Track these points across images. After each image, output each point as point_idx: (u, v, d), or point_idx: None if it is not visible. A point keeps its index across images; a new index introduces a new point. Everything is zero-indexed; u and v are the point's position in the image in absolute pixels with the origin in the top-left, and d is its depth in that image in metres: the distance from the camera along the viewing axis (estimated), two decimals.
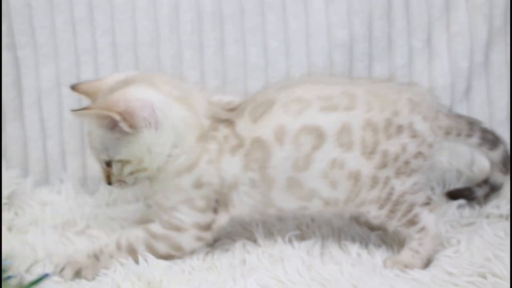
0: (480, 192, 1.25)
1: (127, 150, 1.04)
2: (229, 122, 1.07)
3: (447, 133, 1.11)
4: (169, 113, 1.05)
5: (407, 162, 1.05)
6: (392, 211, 1.07)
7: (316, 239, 1.15)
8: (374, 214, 1.07)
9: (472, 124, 1.16)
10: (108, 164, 1.07)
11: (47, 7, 1.32)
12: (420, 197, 1.08)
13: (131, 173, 1.07)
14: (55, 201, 1.31)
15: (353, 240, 1.15)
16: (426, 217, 1.08)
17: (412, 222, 1.07)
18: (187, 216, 1.07)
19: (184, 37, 1.34)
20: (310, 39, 1.35)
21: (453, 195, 1.28)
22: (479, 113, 1.38)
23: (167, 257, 1.07)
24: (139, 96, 1.04)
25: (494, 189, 1.24)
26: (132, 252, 1.07)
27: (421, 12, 1.35)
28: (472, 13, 1.36)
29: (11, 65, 1.34)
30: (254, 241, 1.14)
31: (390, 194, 1.06)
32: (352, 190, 1.05)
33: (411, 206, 1.07)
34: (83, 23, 1.33)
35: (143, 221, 1.16)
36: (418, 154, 1.06)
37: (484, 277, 1.01)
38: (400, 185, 1.05)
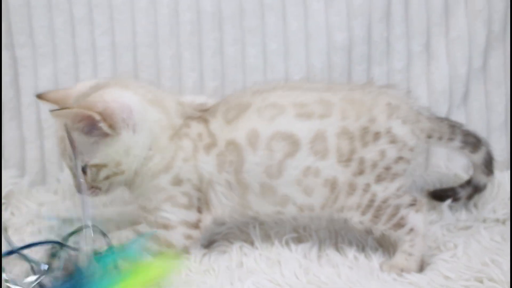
0: (463, 193, 1.25)
1: (104, 153, 1.03)
2: (202, 119, 1.08)
3: (429, 136, 1.11)
4: (145, 116, 1.05)
5: (387, 168, 1.05)
6: (376, 216, 1.06)
7: (313, 242, 1.15)
8: (357, 220, 1.07)
9: (453, 127, 1.15)
10: (82, 170, 1.05)
11: (46, 7, 1.32)
12: (405, 200, 1.07)
13: (107, 178, 1.06)
14: (52, 201, 1.30)
15: (350, 243, 1.15)
16: (413, 218, 1.07)
17: (399, 225, 1.07)
18: (173, 214, 1.07)
19: (183, 38, 1.34)
20: (309, 41, 1.35)
21: (436, 195, 1.27)
22: (477, 117, 1.39)
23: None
24: (117, 98, 1.04)
25: (477, 190, 1.24)
26: None
27: (420, 17, 1.36)
28: (471, 18, 1.36)
29: (9, 65, 1.34)
30: (251, 243, 1.14)
31: (372, 200, 1.05)
32: (328, 196, 1.05)
33: (397, 210, 1.07)
34: (82, 23, 1.33)
35: (139, 222, 1.16)
36: (399, 159, 1.05)
37: (481, 281, 1.01)
38: (383, 191, 1.05)
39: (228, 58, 1.35)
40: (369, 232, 1.14)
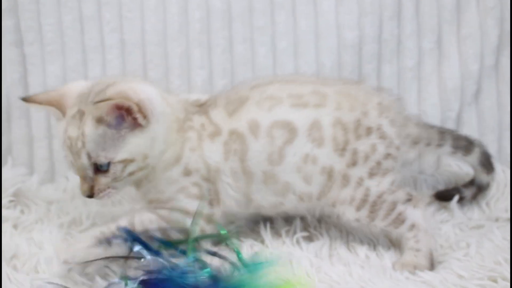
0: (467, 193, 1.26)
1: (132, 147, 1.02)
2: (202, 112, 1.09)
3: (415, 142, 1.14)
4: (163, 109, 1.05)
5: (378, 163, 1.07)
6: (372, 212, 1.08)
7: (324, 241, 1.14)
8: (352, 216, 1.08)
9: (443, 133, 1.18)
10: (98, 170, 1.02)
11: (55, 4, 1.31)
12: (400, 195, 1.08)
13: (132, 174, 1.04)
14: (61, 199, 1.30)
15: (361, 242, 1.15)
16: (412, 214, 1.08)
17: (399, 221, 1.08)
18: (187, 204, 1.07)
19: (192, 36, 1.34)
20: (319, 39, 1.34)
21: (442, 196, 1.28)
22: (488, 116, 1.38)
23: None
24: (143, 90, 1.03)
25: (481, 189, 1.25)
26: (147, 232, 1.05)
27: (431, 14, 1.35)
28: (483, 16, 1.35)
29: (18, 62, 1.34)
30: (262, 241, 1.13)
31: (366, 195, 1.07)
32: (325, 185, 1.07)
33: (393, 205, 1.08)
34: (91, 20, 1.32)
35: None
36: (388, 155, 1.08)
37: (495, 281, 1.00)
38: (376, 185, 1.07)
39: (237, 57, 1.35)
40: (366, 231, 1.14)
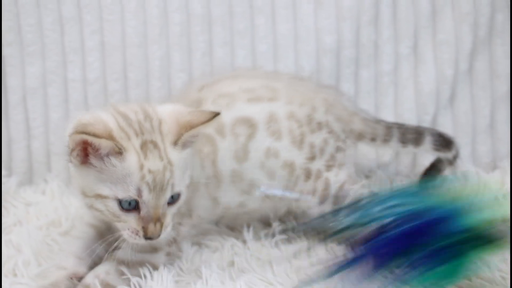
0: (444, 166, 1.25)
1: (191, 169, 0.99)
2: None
3: (360, 137, 1.16)
4: None
5: (332, 156, 1.11)
6: (336, 204, 1.09)
7: (303, 243, 1.15)
8: (317, 209, 1.10)
9: (390, 128, 1.18)
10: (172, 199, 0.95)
11: (34, 5, 1.31)
12: (360, 190, 1.11)
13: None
14: (40, 201, 1.29)
15: (339, 242, 1.16)
16: None
17: None
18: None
19: (172, 39, 1.34)
20: (298, 44, 1.36)
21: (430, 172, 1.27)
22: (463, 120, 1.41)
23: None
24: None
25: (451, 162, 1.23)
26: (109, 286, 0.98)
27: (408, 20, 1.37)
28: (458, 21, 1.38)
29: None
30: (243, 242, 1.14)
31: (327, 187, 1.10)
32: (288, 179, 1.09)
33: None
34: (71, 22, 1.32)
35: None
36: (339, 148, 1.12)
37: (469, 279, 1.02)
38: (335, 176, 1.10)
39: (217, 60, 1.36)
40: None
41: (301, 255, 1.09)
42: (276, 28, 1.36)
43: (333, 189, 1.10)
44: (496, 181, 1.28)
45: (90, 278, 0.98)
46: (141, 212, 0.92)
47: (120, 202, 0.91)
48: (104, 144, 0.89)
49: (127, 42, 1.33)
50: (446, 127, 1.40)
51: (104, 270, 0.99)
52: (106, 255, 0.99)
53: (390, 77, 1.39)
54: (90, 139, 0.89)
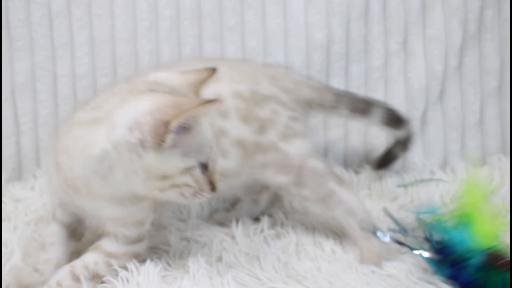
0: (398, 151, 1.27)
1: None
2: None
3: (309, 105, 1.15)
4: None
5: (287, 126, 1.09)
6: (299, 177, 1.09)
7: (291, 238, 1.15)
8: (279, 180, 1.09)
9: (339, 96, 1.17)
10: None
11: (23, 0, 1.30)
12: (327, 169, 1.11)
13: None
14: (28, 197, 1.28)
15: (327, 237, 1.16)
16: (348, 199, 1.10)
17: (330, 199, 1.10)
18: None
19: (162, 34, 1.34)
20: (288, 39, 1.36)
21: (381, 164, 1.31)
22: (452, 115, 1.41)
23: None
24: None
25: (405, 142, 1.26)
26: (97, 277, 1.00)
27: (398, 15, 1.37)
28: (447, 17, 1.38)
29: None
30: (232, 237, 1.14)
31: (285, 157, 1.08)
32: (243, 156, 1.07)
33: (320, 178, 1.10)
34: (60, 16, 1.31)
35: None
36: (294, 119, 1.10)
37: None
38: (295, 148, 1.09)
39: (206, 55, 1.35)
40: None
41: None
42: (266, 23, 1.36)
43: (294, 162, 1.08)
44: (485, 177, 1.29)
45: (78, 268, 0.99)
46: (209, 168, 0.95)
47: (202, 166, 0.94)
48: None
49: (116, 37, 1.33)
50: (435, 123, 1.41)
51: (93, 260, 1.00)
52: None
53: (380, 72, 1.39)
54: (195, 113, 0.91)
